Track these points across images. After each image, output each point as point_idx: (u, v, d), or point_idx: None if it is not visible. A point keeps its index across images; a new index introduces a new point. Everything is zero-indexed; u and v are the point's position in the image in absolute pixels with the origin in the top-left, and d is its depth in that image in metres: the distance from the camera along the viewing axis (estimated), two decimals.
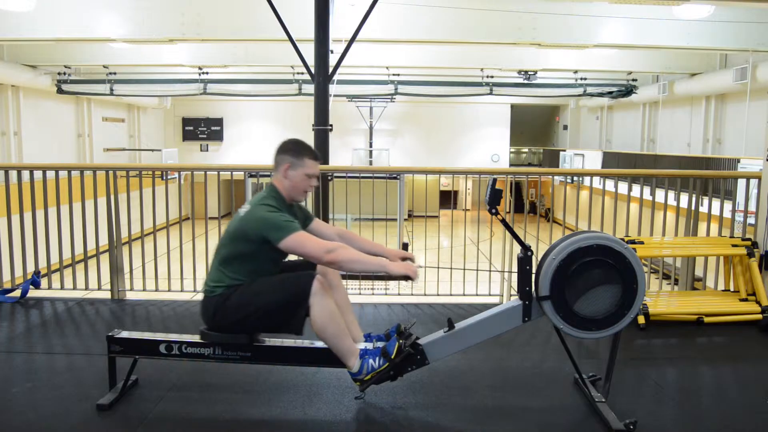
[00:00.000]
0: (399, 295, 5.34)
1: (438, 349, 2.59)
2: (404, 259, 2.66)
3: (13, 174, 5.26)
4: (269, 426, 2.55)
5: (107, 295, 4.49)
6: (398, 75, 15.84)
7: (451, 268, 4.80)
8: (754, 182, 4.50)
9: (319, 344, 2.65)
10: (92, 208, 4.48)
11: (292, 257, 2.64)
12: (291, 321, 2.49)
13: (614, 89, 16.27)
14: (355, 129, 20.50)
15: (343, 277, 4.95)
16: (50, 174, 4.52)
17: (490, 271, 4.70)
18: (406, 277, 2.45)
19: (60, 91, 14.93)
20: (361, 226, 6.76)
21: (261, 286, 2.52)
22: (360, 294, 4.78)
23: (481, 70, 15.32)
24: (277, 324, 2.54)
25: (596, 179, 8.33)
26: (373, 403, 2.71)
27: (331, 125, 6.43)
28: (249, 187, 5.76)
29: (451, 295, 4.60)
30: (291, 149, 2.63)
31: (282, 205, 2.58)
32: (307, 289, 2.44)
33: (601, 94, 16.58)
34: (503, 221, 2.56)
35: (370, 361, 2.51)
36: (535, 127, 24.50)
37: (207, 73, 15.74)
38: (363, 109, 19.69)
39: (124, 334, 2.70)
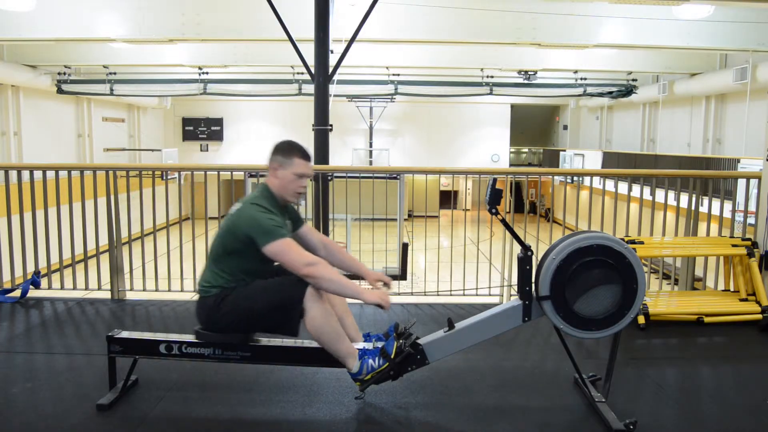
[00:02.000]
0: (399, 295, 5.34)
1: (438, 349, 2.59)
2: (382, 281, 2.68)
3: (13, 174, 5.26)
4: (269, 426, 2.55)
5: (107, 295, 4.49)
6: (398, 75, 15.85)
7: (450, 272, 4.82)
8: (754, 182, 4.50)
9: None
10: (92, 208, 4.48)
11: None
12: (285, 323, 2.49)
13: (614, 89, 16.27)
14: (355, 129, 20.50)
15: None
16: (50, 174, 4.52)
17: (489, 281, 4.70)
18: (379, 305, 2.45)
19: (60, 91, 14.93)
20: (361, 226, 6.77)
21: (256, 289, 2.53)
22: None
23: (481, 70, 15.32)
24: (272, 326, 2.54)
25: (596, 179, 8.33)
26: (373, 403, 2.71)
27: (331, 125, 6.43)
28: (249, 187, 5.76)
29: (451, 295, 4.60)
30: (281, 149, 2.63)
31: (273, 205, 2.58)
32: (301, 293, 2.44)
33: (601, 94, 16.58)
34: (503, 221, 2.56)
35: (370, 361, 2.51)
36: (535, 127, 24.50)
37: (207, 73, 15.74)
38: (363, 109, 19.69)
39: (124, 334, 2.69)
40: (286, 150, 2.62)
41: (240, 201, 2.63)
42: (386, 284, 2.70)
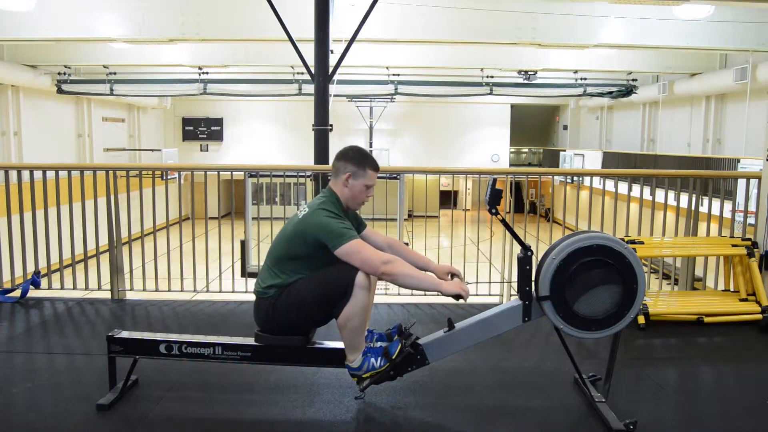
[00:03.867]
0: (399, 295, 5.34)
1: (438, 349, 2.59)
2: (452, 275, 2.68)
3: (13, 174, 5.26)
4: (269, 426, 2.55)
5: (107, 295, 4.49)
6: (398, 75, 15.85)
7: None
8: (754, 182, 4.50)
9: (320, 344, 2.65)
10: (92, 208, 4.47)
11: None
12: (337, 310, 2.48)
13: (614, 89, 16.28)
14: (355, 129, 20.49)
15: None
16: (50, 174, 4.52)
17: (489, 282, 4.70)
18: (458, 296, 2.44)
19: (60, 91, 14.93)
20: None
21: (306, 282, 2.51)
22: None
23: (481, 70, 15.33)
24: (326, 314, 2.52)
25: (596, 179, 8.33)
26: (373, 403, 2.71)
27: (331, 125, 6.43)
28: (249, 187, 5.76)
29: None
30: (354, 158, 2.61)
31: (340, 210, 2.58)
32: (352, 279, 2.42)
33: (601, 94, 16.59)
34: (503, 221, 2.56)
35: (372, 360, 2.51)
36: (535, 127, 24.50)
37: (207, 73, 15.75)
38: (363, 109, 19.69)
39: (124, 334, 2.69)
40: (360, 160, 2.61)
41: (307, 205, 2.61)
42: (457, 275, 2.69)
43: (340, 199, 2.62)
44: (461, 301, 2.47)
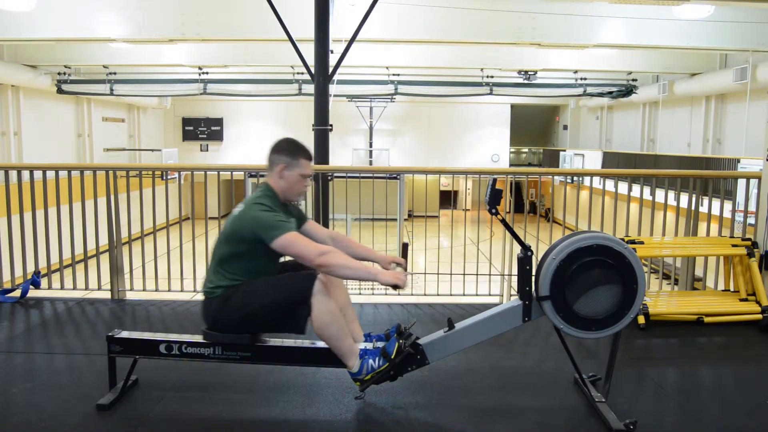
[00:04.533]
0: (399, 295, 5.33)
1: (438, 349, 2.59)
2: (397, 264, 2.67)
3: (13, 174, 5.25)
4: (269, 426, 2.55)
5: (107, 295, 4.49)
6: (398, 75, 15.85)
7: (450, 273, 4.82)
8: (754, 182, 4.50)
9: (320, 344, 2.65)
10: (92, 208, 4.47)
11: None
12: (293, 320, 2.49)
13: (614, 89, 16.28)
14: (355, 129, 20.50)
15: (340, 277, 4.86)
16: (50, 174, 4.52)
17: (489, 274, 4.70)
18: (395, 286, 2.45)
19: (60, 91, 14.93)
20: (361, 226, 6.77)
21: (262, 286, 2.52)
22: (360, 294, 4.78)
23: (481, 70, 15.32)
24: (279, 323, 2.53)
25: (596, 179, 8.33)
26: (373, 403, 2.71)
27: (331, 125, 6.42)
28: (249, 187, 5.76)
29: (451, 295, 4.60)
30: (286, 149, 2.62)
31: (276, 204, 2.58)
32: (308, 289, 2.43)
33: (601, 94, 16.58)
34: (503, 221, 2.56)
35: (370, 361, 2.51)
36: (535, 127, 24.50)
37: (207, 73, 15.74)
38: (363, 109, 19.70)
39: (124, 334, 2.69)
40: (292, 151, 2.62)
41: (242, 203, 2.62)
42: (400, 265, 2.69)
43: (276, 193, 2.61)
44: (398, 291, 2.48)
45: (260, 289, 2.51)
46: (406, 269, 2.69)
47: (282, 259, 2.67)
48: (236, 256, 2.54)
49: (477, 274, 4.65)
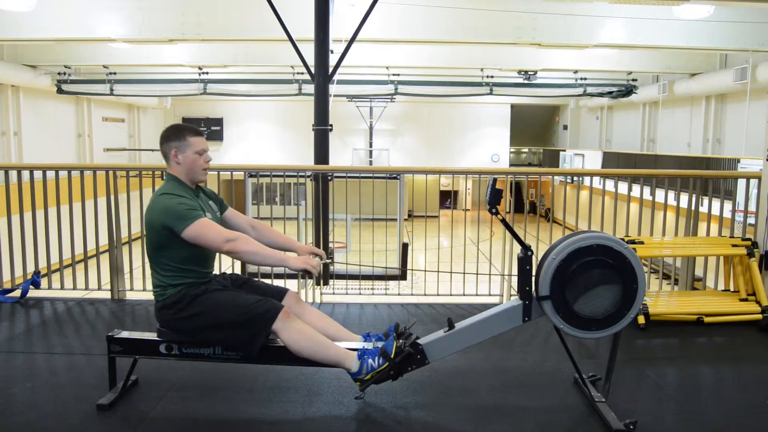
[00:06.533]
0: (399, 295, 5.34)
1: (438, 349, 2.59)
2: (314, 253, 2.68)
3: (13, 174, 5.25)
4: (269, 426, 2.55)
5: (107, 295, 4.49)
6: (398, 75, 15.85)
7: (451, 272, 4.82)
8: (754, 182, 4.50)
9: None
10: (92, 208, 4.48)
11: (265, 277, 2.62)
12: (247, 343, 2.47)
13: (614, 89, 16.28)
14: (355, 129, 20.50)
15: (340, 277, 4.95)
16: (50, 174, 4.52)
17: (489, 274, 4.70)
18: (307, 272, 2.46)
19: (60, 91, 14.93)
20: (361, 226, 6.77)
21: (228, 301, 2.51)
22: (360, 294, 4.78)
23: (481, 70, 15.33)
24: (233, 341, 2.51)
25: (596, 179, 8.33)
26: (373, 403, 2.71)
27: (331, 125, 6.43)
28: (249, 187, 5.76)
29: (451, 295, 4.60)
30: (172, 134, 2.61)
31: (185, 191, 2.56)
32: (271, 319, 2.44)
33: (601, 94, 16.59)
34: (503, 221, 2.56)
35: (370, 360, 2.51)
36: (535, 127, 24.51)
37: (207, 73, 15.75)
38: (363, 109, 19.70)
39: (124, 334, 2.69)
40: (177, 133, 2.60)
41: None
42: (318, 255, 2.69)
43: (180, 179, 2.59)
44: (309, 278, 2.48)
45: (226, 302, 2.50)
46: (323, 259, 2.71)
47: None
48: (161, 251, 2.51)
49: (477, 273, 4.65)
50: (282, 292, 2.75)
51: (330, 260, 2.73)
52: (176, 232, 2.42)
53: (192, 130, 2.63)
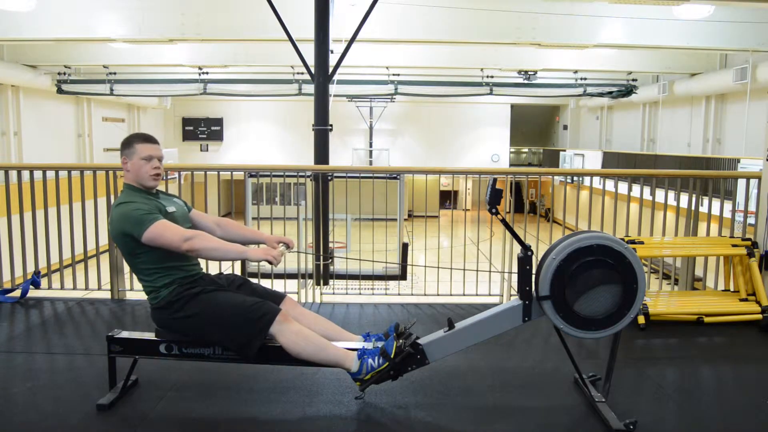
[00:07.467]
0: (399, 295, 5.34)
1: (438, 349, 2.59)
2: (283, 242, 2.69)
3: (13, 174, 5.25)
4: (269, 426, 2.55)
5: (107, 295, 4.49)
6: (398, 75, 15.85)
7: (451, 269, 4.82)
8: (754, 182, 4.50)
9: None
10: (92, 208, 4.48)
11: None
12: (245, 345, 2.48)
13: (614, 89, 16.28)
14: (355, 129, 20.50)
15: (339, 277, 4.95)
16: (50, 174, 4.52)
17: (490, 271, 4.70)
18: (268, 261, 2.47)
19: (60, 91, 14.93)
20: (361, 226, 6.76)
21: (226, 303, 2.52)
22: (360, 294, 4.78)
23: (481, 70, 15.33)
24: (231, 342, 2.52)
25: (596, 179, 8.32)
26: (373, 403, 2.71)
27: (331, 125, 6.43)
28: (249, 187, 5.76)
29: (451, 295, 4.60)
30: (122, 145, 2.66)
31: (139, 196, 2.59)
32: (269, 322, 2.45)
33: (601, 94, 16.59)
34: (503, 221, 2.56)
35: (369, 360, 2.51)
36: (535, 127, 24.50)
37: (207, 73, 15.75)
38: (363, 109, 19.70)
39: (124, 334, 2.69)
40: (126, 143, 2.65)
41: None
42: (286, 244, 2.70)
43: (134, 186, 2.63)
44: (270, 267, 2.48)
45: (222, 305, 2.52)
46: (291, 247, 2.73)
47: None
48: (136, 257, 2.54)
49: (477, 271, 4.65)
50: (280, 297, 2.76)
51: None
52: (136, 238, 2.45)
53: (142, 137, 2.68)
